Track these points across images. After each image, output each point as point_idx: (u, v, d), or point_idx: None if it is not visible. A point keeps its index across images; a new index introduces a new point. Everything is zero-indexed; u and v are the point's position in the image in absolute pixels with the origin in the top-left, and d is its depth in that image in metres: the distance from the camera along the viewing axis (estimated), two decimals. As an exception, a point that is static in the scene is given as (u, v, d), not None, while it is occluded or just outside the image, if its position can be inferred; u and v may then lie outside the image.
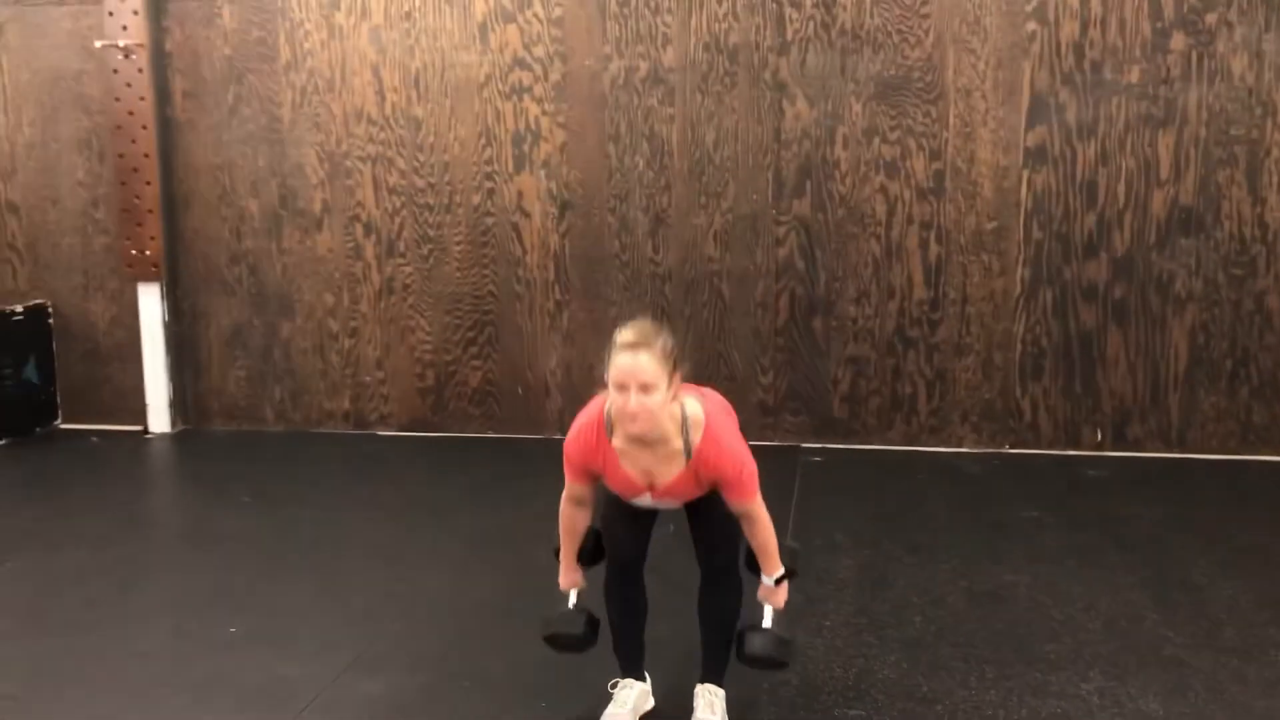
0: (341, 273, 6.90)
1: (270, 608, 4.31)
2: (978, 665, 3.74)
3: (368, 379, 6.97)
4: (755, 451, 3.06)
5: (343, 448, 6.67)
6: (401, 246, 6.82)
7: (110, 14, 6.66)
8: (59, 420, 7.29)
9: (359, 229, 6.85)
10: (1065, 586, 4.42)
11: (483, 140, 6.67)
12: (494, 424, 6.88)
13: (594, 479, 3.21)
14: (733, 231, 6.56)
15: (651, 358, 2.91)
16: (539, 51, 6.57)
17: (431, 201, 6.76)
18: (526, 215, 6.71)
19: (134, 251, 6.88)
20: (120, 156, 6.82)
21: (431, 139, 6.71)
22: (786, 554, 3.34)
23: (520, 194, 6.68)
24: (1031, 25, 6.15)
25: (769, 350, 6.63)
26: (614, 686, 3.41)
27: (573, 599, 3.40)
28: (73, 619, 4.24)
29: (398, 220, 6.80)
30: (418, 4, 6.60)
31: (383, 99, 6.72)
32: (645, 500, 3.18)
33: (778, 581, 3.25)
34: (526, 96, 6.61)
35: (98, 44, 6.70)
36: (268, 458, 6.52)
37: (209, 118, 6.90)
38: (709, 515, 3.22)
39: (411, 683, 3.68)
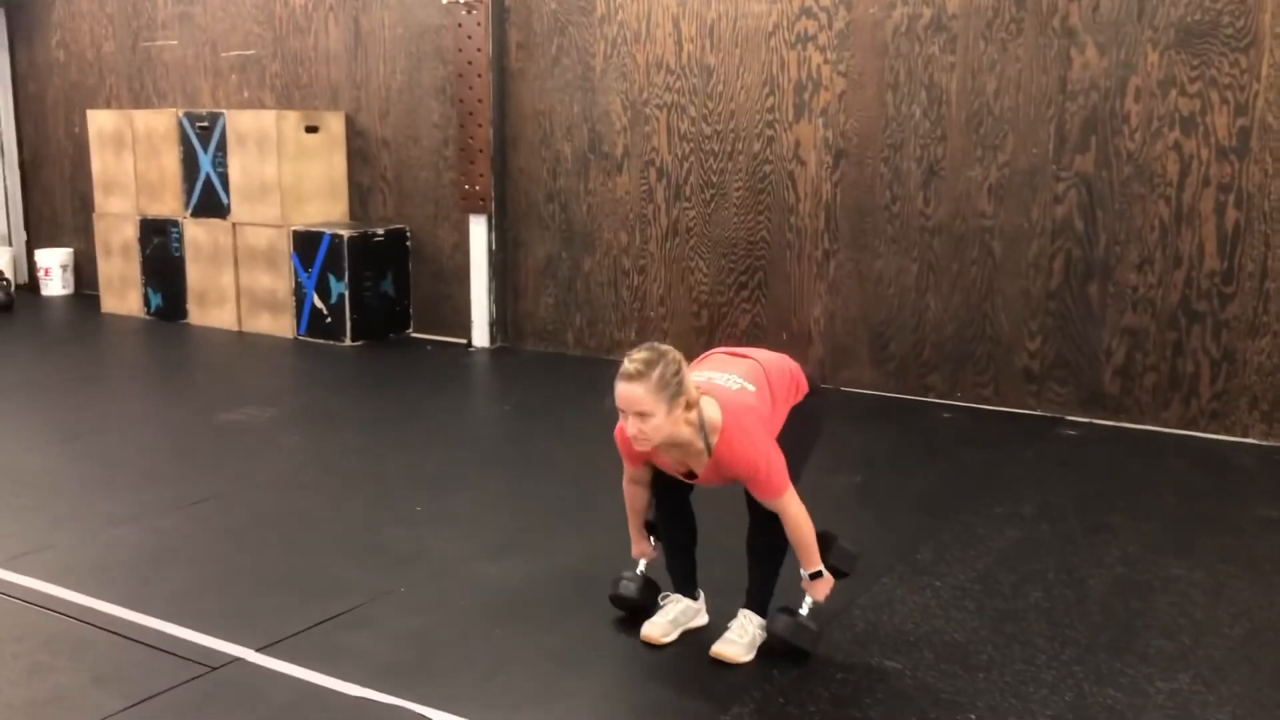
0: (635, 214, 7.41)
1: (460, 497, 4.92)
2: (1061, 646, 3.53)
3: (651, 314, 7.46)
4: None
5: (621, 375, 7.20)
6: (687, 191, 7.19)
7: (458, -26, 7.57)
8: (410, 329, 8.47)
9: (653, 173, 7.30)
10: (1236, 590, 3.97)
11: (766, 89, 6.85)
12: (760, 366, 7.10)
13: (646, 461, 3.44)
14: (1009, 186, 6.28)
15: (646, 389, 3.06)
16: (825, 0, 6.62)
17: (716, 148, 7.06)
18: (802, 163, 6.82)
19: (467, 186, 7.81)
20: (460, 101, 7.74)
21: (720, 87, 6.99)
22: (841, 556, 3.45)
23: (798, 142, 6.80)
24: (1373, -41, 5.31)
25: (1039, 314, 6.29)
26: (664, 599, 3.63)
27: (641, 566, 3.71)
28: (306, 481, 5.12)
29: (685, 165, 7.18)
30: (716, -44, 6.89)
31: (680, 49, 7.10)
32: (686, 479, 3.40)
33: (813, 577, 3.35)
34: (810, 45, 6.70)
35: (444, 0, 7.64)
36: (553, 377, 7.21)
37: (536, 66, 7.64)
38: None
39: (507, 577, 4.05)
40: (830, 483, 5.18)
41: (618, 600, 3.71)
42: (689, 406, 3.16)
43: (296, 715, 3.15)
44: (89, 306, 9.43)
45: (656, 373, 3.08)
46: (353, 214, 8.61)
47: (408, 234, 8.34)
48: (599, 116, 7.44)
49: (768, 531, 3.42)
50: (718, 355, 3.62)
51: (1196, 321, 5.90)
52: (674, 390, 3.10)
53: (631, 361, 3.12)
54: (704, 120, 7.08)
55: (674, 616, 3.58)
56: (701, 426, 3.19)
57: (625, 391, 3.10)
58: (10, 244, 10.38)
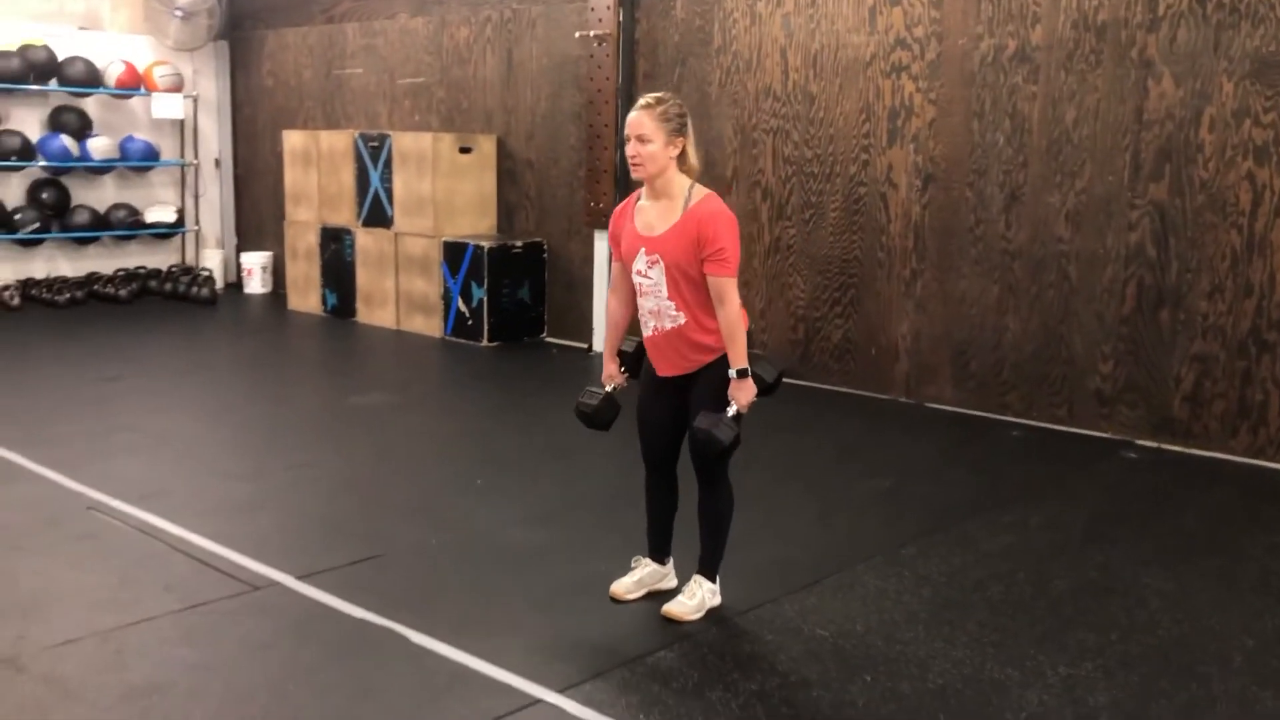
0: (741, 231, 7.83)
1: (521, 475, 5.54)
2: (989, 632, 3.81)
3: (751, 328, 7.87)
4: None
5: (720, 382, 7.68)
6: (789, 210, 7.62)
7: (592, 9, 8.26)
8: (544, 334, 9.20)
9: (758, 193, 7.76)
10: (1197, 602, 4.11)
11: (863, 115, 7.21)
12: (849, 380, 7.45)
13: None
14: (1085, 213, 6.42)
15: (650, 117, 3.59)
16: (919, 32, 6.93)
17: (816, 170, 7.46)
18: (894, 186, 7.13)
19: (591, 204, 8.48)
20: (590, 126, 8.43)
21: (821, 114, 7.40)
22: (763, 365, 3.77)
23: (890, 166, 7.13)
24: None
25: (1111, 339, 6.39)
26: (635, 562, 4.12)
27: (608, 389, 4.02)
28: (399, 454, 5.88)
29: (788, 187, 7.61)
30: (820, -9, 7.31)
31: (786, 78, 7.54)
32: (641, 259, 3.71)
33: (740, 375, 3.66)
34: (904, 74, 7.02)
35: (576, 34, 8.35)
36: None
37: (660, 94, 8.22)
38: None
39: (528, 540, 4.63)
40: (859, 486, 5.53)
41: (580, 411, 4.01)
42: (683, 156, 3.65)
43: (305, 627, 3.82)
44: (278, 304, 10.64)
45: (662, 108, 3.60)
46: (500, 228, 9.43)
47: (544, 247, 9.08)
48: (712, 140, 7.96)
49: (714, 496, 3.87)
50: None
51: (1267, 351, 5.88)
52: (674, 126, 3.61)
53: (645, 96, 3.67)
54: (805, 144, 7.49)
55: (640, 577, 4.06)
56: (689, 190, 3.66)
57: (634, 117, 3.61)
58: (223, 246, 11.79)
